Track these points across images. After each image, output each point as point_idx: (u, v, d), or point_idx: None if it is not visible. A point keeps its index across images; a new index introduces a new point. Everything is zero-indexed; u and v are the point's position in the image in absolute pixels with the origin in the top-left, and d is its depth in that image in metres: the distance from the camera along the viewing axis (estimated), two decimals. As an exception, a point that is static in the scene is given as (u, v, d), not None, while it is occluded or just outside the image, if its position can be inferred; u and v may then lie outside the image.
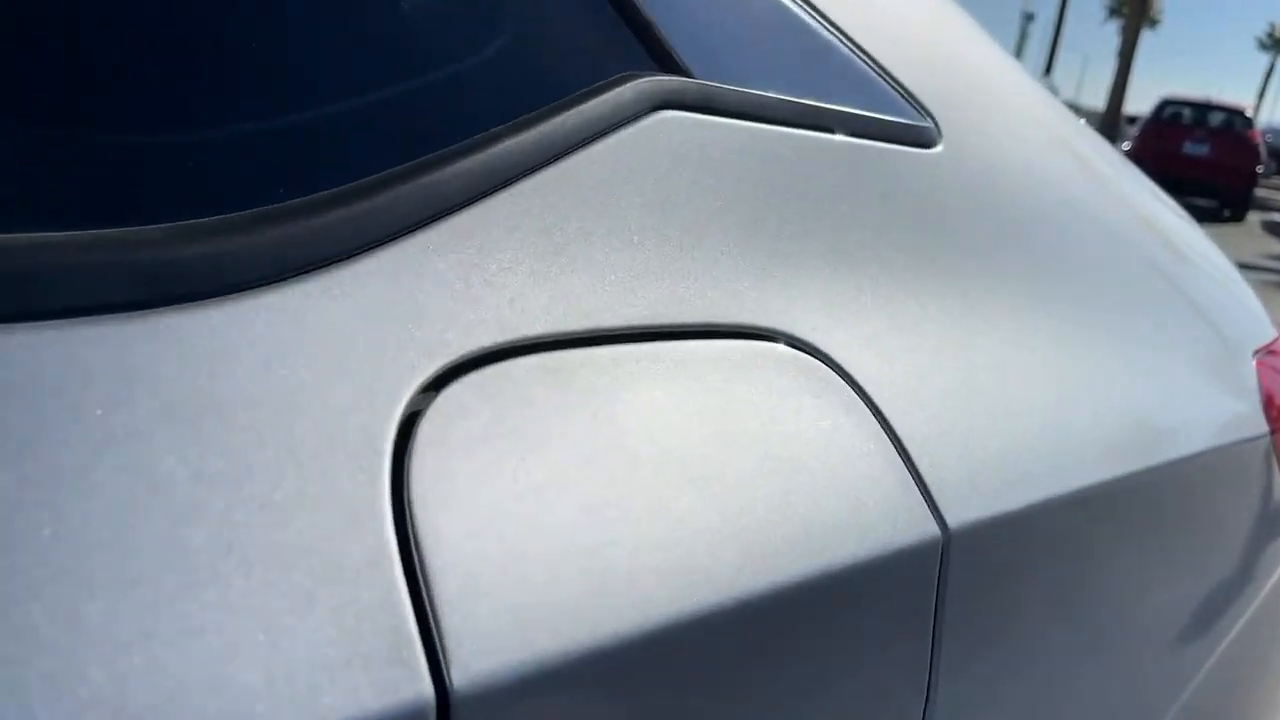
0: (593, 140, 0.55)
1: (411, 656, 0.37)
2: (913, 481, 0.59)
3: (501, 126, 0.52)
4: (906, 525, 0.58)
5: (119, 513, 0.36)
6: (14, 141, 0.41)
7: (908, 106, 0.76)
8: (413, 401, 0.43)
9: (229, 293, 0.41)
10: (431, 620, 0.38)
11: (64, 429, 0.36)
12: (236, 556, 0.37)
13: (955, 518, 0.60)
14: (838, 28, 0.75)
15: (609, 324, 0.51)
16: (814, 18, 0.74)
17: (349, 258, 0.45)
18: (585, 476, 0.46)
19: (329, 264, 0.44)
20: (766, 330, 0.57)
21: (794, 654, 0.53)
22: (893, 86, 0.76)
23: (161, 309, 0.39)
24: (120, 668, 0.33)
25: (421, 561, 0.39)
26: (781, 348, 0.58)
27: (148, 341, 0.38)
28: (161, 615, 0.35)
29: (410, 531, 0.39)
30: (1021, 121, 0.91)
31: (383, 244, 0.46)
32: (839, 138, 0.67)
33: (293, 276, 0.42)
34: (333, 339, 0.42)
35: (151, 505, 0.36)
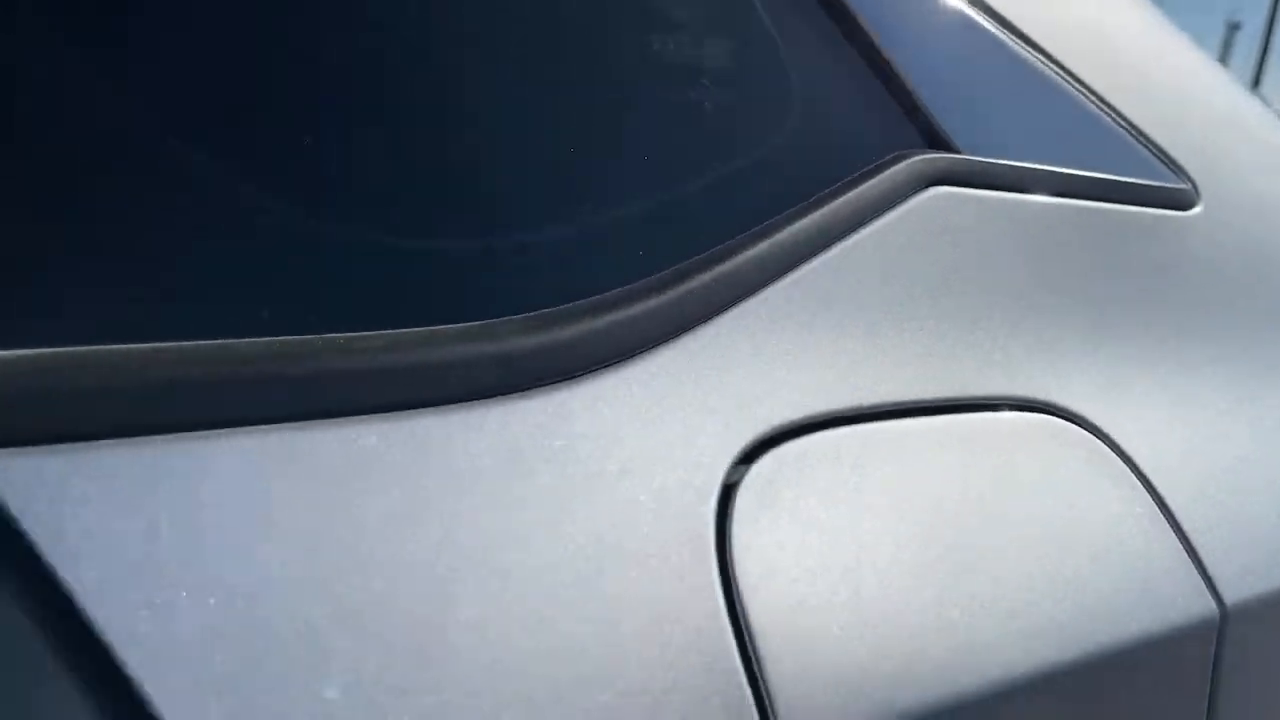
0: (871, 219, 0.59)
1: (745, 716, 0.42)
2: (1188, 557, 0.60)
3: (785, 213, 0.57)
4: (1183, 603, 0.59)
5: (519, 554, 0.41)
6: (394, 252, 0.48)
7: (1164, 168, 0.77)
8: (728, 475, 0.48)
9: (541, 388, 0.46)
10: (761, 680, 0.42)
11: (471, 493, 0.41)
12: (585, 608, 0.42)
13: (1232, 594, 0.61)
14: (1091, 89, 0.77)
15: (893, 399, 0.55)
16: (1066, 79, 0.76)
17: (662, 344, 0.49)
18: (883, 545, 0.49)
19: (635, 353, 0.49)
20: (1039, 404, 0.60)
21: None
22: (1148, 148, 0.77)
23: (516, 395, 0.45)
24: (498, 679, 0.39)
25: (747, 621, 0.43)
26: (1055, 420, 0.60)
27: (509, 423, 0.44)
28: (540, 636, 0.40)
29: (735, 596, 0.44)
30: (1264, 155, 0.90)
31: (688, 330, 0.51)
32: (1104, 206, 0.69)
33: (614, 363, 0.48)
34: (658, 416, 0.47)
35: (521, 553, 0.42)
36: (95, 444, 0.34)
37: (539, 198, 0.50)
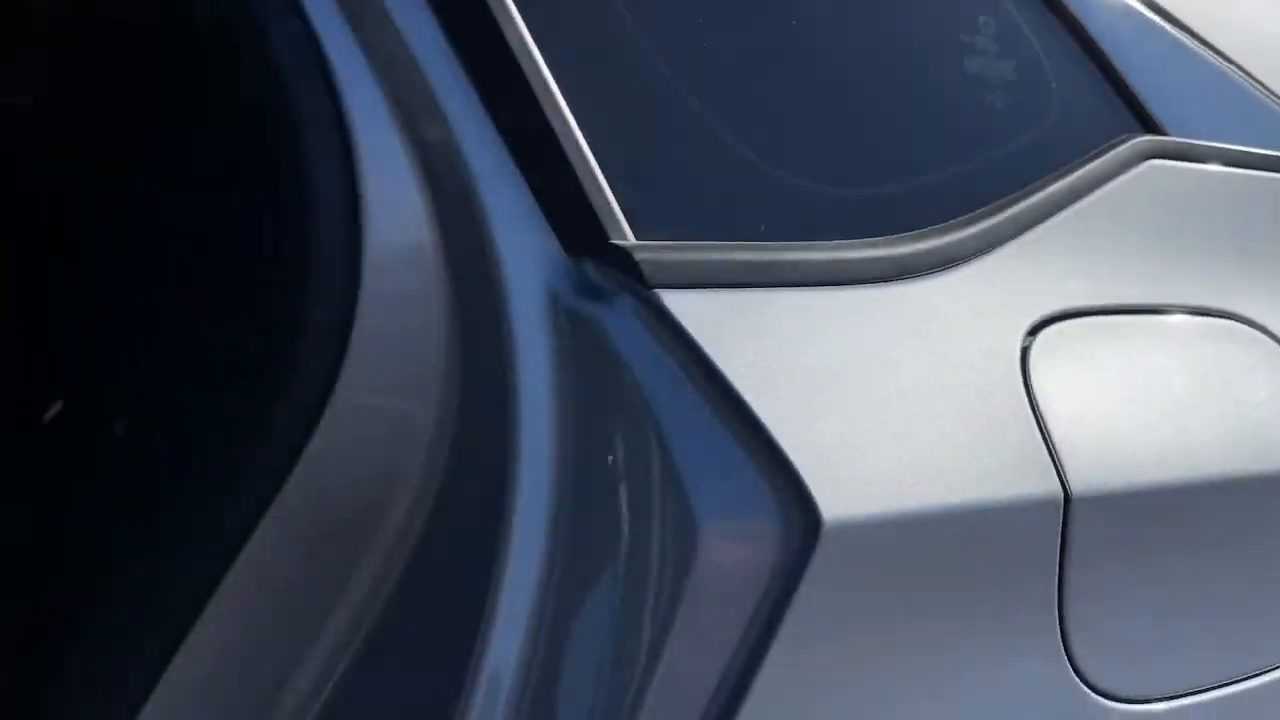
0: (1108, 181, 0.87)
1: (1047, 471, 0.71)
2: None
3: (1052, 174, 0.85)
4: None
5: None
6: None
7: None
8: (1024, 339, 0.77)
9: (916, 277, 0.76)
10: (1054, 452, 0.72)
11: (872, 342, 0.71)
12: (948, 411, 0.71)
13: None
14: (1262, 83, 1.03)
15: (1123, 301, 0.84)
16: (1243, 75, 1.03)
17: (975, 258, 0.79)
18: (1122, 383, 0.78)
19: (966, 260, 0.78)
20: (1229, 313, 0.87)
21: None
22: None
23: (895, 282, 0.75)
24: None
25: (1044, 422, 0.73)
26: (1240, 326, 0.87)
27: (897, 300, 0.74)
28: (920, 426, 0.69)
29: (1035, 404, 0.73)
30: None
31: (994, 249, 0.80)
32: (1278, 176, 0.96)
33: (954, 266, 0.77)
34: (979, 301, 0.77)
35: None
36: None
37: (911, 166, 0.80)
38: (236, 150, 0.70)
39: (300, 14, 0.65)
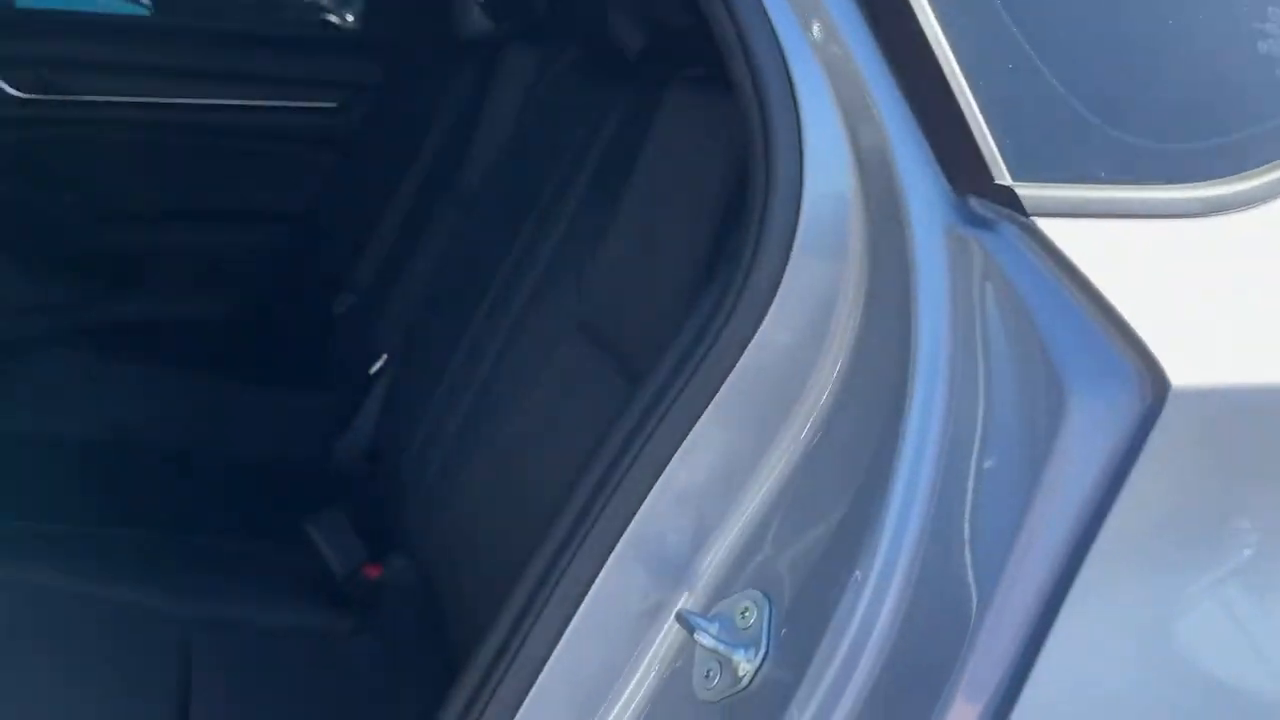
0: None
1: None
2: None
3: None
4: None
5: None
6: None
7: None
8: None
9: (1225, 213, 0.96)
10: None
11: (1183, 268, 0.92)
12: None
13: None
14: None
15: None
16: None
17: (1271, 200, 0.98)
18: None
19: (1265, 202, 0.98)
20: None
21: None
22: None
23: (1210, 216, 0.95)
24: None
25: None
26: None
27: (1201, 232, 0.94)
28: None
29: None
30: None
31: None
32: None
33: (1255, 205, 0.97)
34: (1275, 232, 0.96)
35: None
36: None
37: (1217, 127, 1.01)
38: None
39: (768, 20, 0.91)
